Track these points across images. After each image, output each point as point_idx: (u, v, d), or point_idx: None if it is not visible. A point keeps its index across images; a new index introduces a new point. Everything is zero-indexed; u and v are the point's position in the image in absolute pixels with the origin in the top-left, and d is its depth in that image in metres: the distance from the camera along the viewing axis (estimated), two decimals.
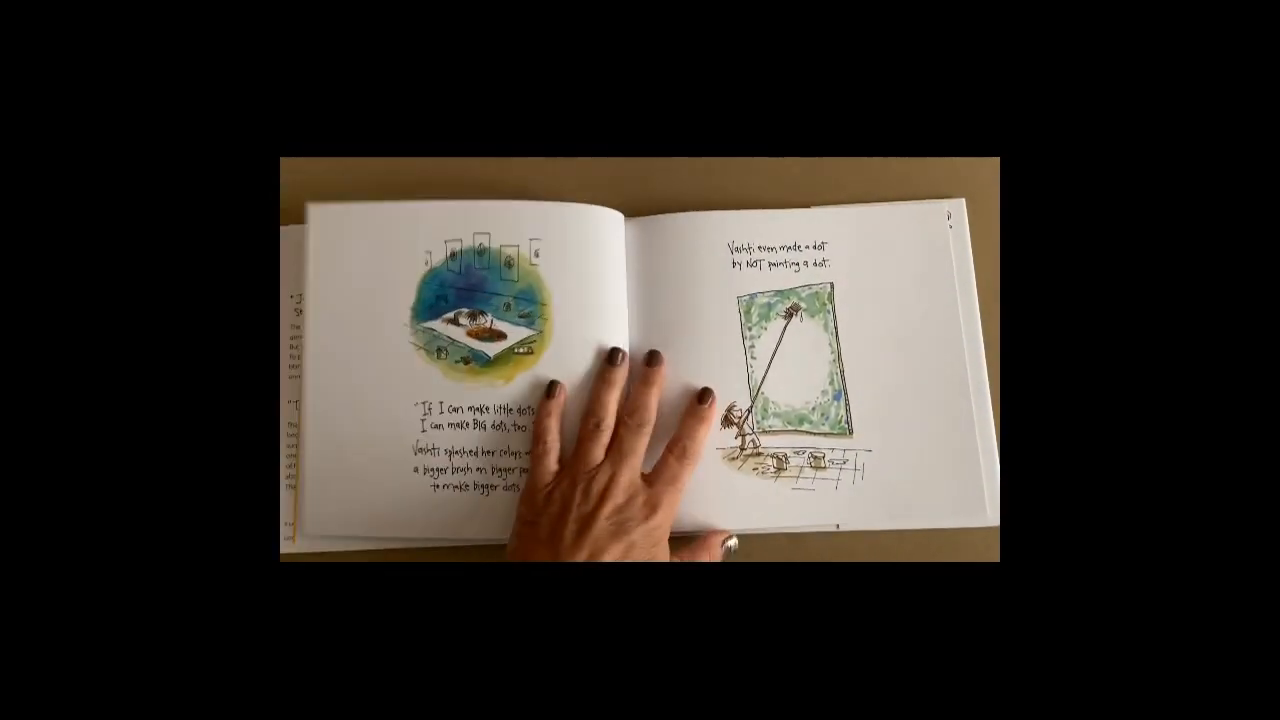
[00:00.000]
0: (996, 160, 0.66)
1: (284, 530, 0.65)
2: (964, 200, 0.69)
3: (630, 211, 0.69)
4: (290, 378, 0.68)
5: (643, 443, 0.62)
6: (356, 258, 0.67)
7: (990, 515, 0.64)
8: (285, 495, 0.66)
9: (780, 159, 0.71)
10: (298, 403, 0.67)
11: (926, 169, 0.70)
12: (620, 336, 0.66)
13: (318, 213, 0.67)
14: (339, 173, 0.71)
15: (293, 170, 0.67)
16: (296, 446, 0.66)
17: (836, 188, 0.70)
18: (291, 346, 0.68)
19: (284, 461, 0.66)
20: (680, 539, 0.62)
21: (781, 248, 0.68)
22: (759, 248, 0.68)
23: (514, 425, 0.64)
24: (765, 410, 0.65)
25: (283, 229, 0.69)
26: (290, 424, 0.67)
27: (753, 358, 0.66)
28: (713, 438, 0.65)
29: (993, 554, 0.63)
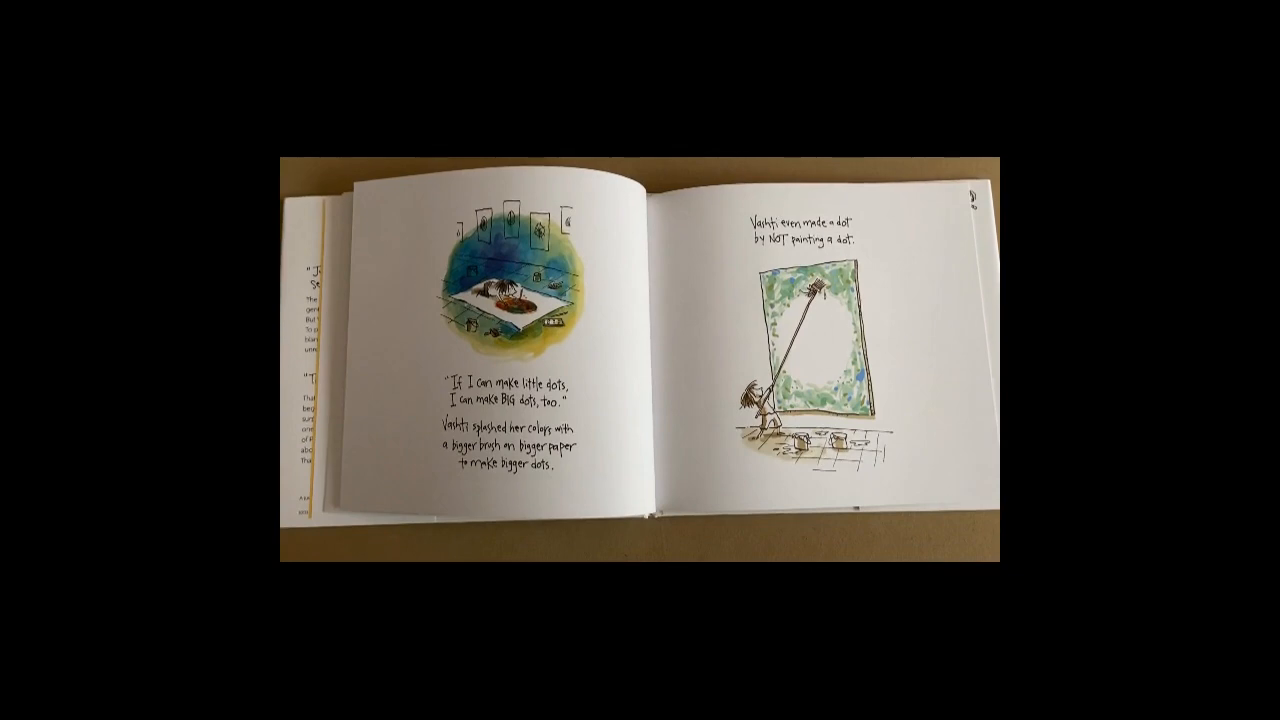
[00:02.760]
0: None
1: (300, 505, 0.64)
2: (988, 181, 0.68)
3: (652, 188, 0.67)
4: (307, 351, 0.67)
5: None
6: (394, 232, 0.66)
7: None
8: (302, 469, 0.65)
9: (799, 159, 0.69)
10: (314, 376, 0.66)
11: (959, 166, 0.69)
12: (641, 313, 0.65)
13: (363, 190, 0.68)
14: (365, 171, 0.69)
15: (320, 169, 0.69)
16: (313, 421, 0.66)
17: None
18: (308, 320, 0.67)
19: (301, 436, 0.65)
20: None
21: (805, 223, 0.67)
22: (782, 222, 0.67)
23: (543, 400, 0.62)
24: (787, 389, 0.64)
25: (291, 201, 0.69)
26: (306, 397, 0.66)
27: (774, 335, 0.65)
28: (732, 417, 0.63)
29: None
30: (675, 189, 0.68)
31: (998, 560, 0.61)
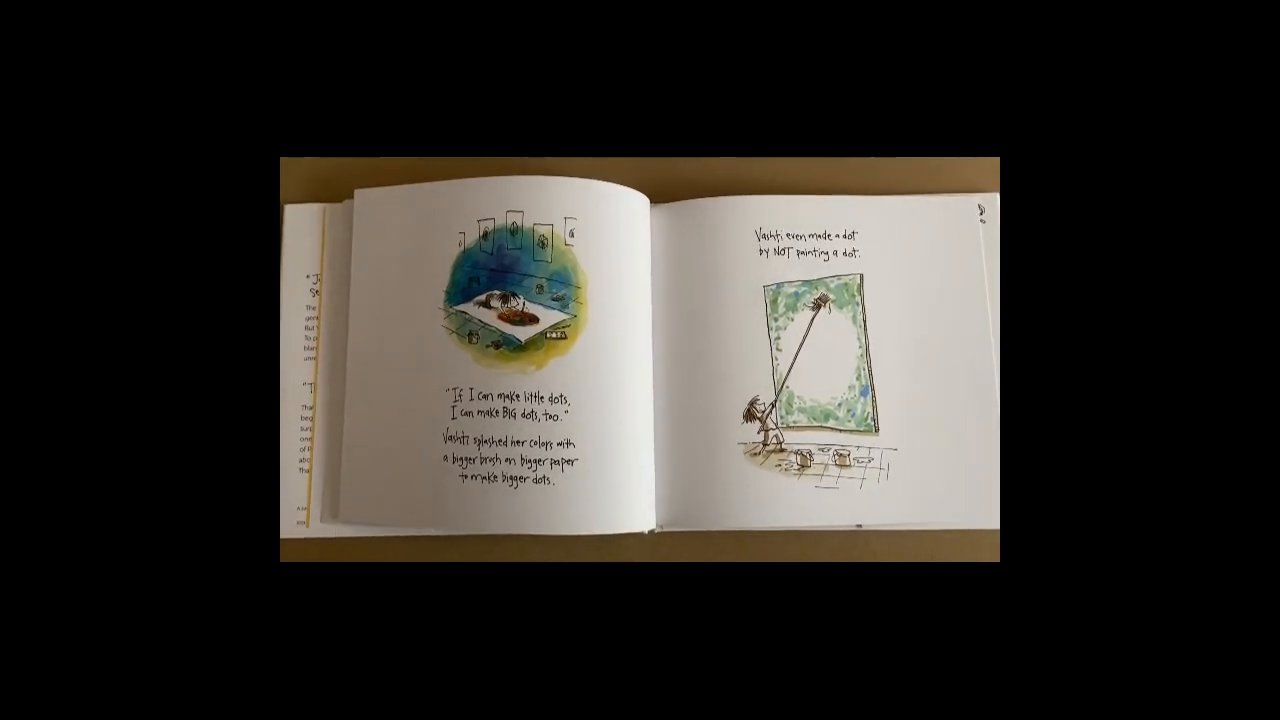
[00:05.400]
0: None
1: (298, 515, 0.64)
2: (997, 195, 0.67)
3: (656, 198, 0.67)
4: (305, 359, 0.66)
5: None
6: (395, 241, 0.66)
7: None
8: (299, 479, 0.65)
9: (798, 159, 0.68)
10: (312, 385, 0.66)
11: (963, 167, 0.69)
12: (644, 326, 0.64)
13: (363, 198, 0.67)
14: (366, 173, 0.69)
15: (318, 170, 0.69)
16: (312, 430, 0.65)
17: (869, 186, 0.68)
18: (308, 328, 0.67)
19: (299, 445, 0.65)
20: None
21: (810, 235, 0.66)
22: (787, 235, 0.66)
23: (545, 415, 0.61)
24: (790, 405, 0.63)
25: (291, 209, 0.68)
26: (305, 406, 0.65)
27: (778, 350, 0.64)
28: (734, 432, 0.63)
29: None
30: (678, 195, 0.67)
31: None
